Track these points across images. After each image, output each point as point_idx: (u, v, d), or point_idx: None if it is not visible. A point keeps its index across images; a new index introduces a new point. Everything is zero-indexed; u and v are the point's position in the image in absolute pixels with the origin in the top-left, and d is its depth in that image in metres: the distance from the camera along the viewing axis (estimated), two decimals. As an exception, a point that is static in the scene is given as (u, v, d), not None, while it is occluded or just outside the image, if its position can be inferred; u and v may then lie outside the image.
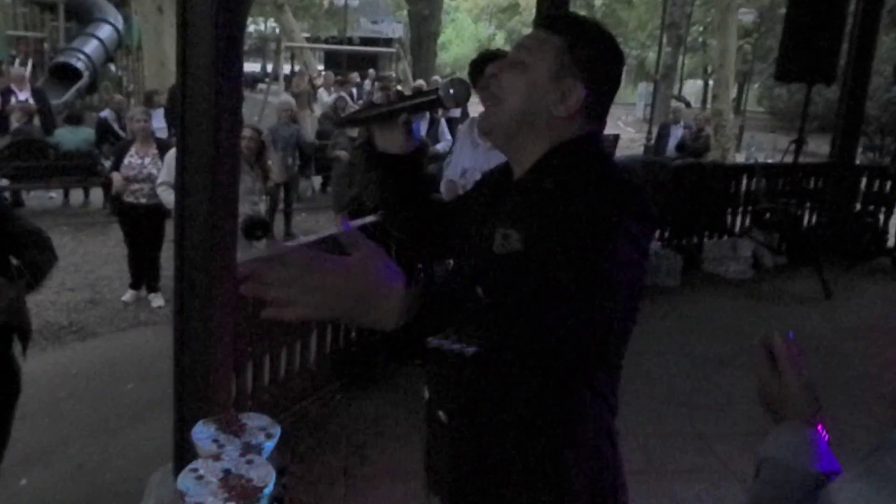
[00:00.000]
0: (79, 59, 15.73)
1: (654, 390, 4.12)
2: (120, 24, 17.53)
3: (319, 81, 20.46)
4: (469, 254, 1.41)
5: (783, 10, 6.47)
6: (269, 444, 2.86)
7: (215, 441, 2.95)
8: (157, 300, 6.07)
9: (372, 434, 3.56)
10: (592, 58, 1.29)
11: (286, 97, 9.20)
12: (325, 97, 12.91)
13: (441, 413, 1.39)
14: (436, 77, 16.26)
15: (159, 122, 10.01)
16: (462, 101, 1.39)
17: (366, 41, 27.02)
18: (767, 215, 6.77)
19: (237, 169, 2.79)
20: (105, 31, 17.07)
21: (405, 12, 28.49)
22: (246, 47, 35.54)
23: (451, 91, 1.36)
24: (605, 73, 1.31)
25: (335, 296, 0.96)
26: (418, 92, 1.47)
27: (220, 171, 2.67)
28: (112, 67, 18.31)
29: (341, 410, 3.75)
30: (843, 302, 6.01)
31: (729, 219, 7.00)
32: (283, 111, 8.24)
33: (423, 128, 8.47)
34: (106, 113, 10.37)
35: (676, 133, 10.99)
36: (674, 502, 3.17)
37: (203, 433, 3.01)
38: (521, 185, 1.34)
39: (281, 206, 8.40)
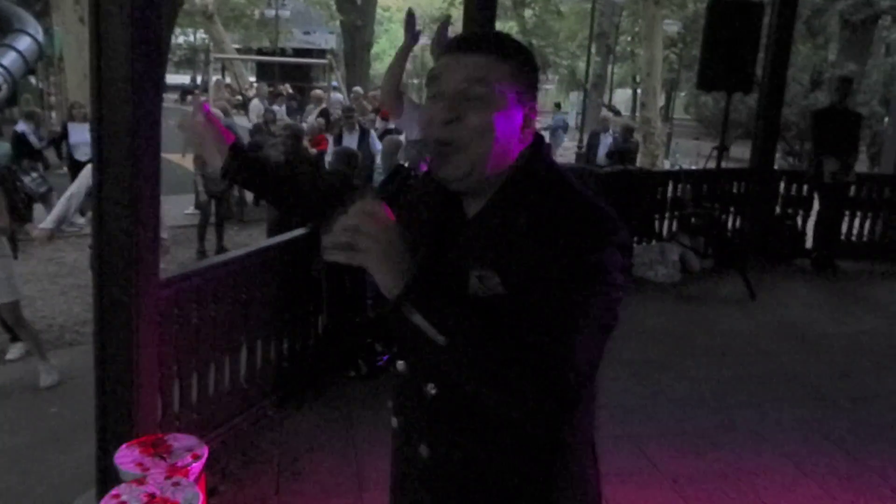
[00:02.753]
0: (-4, 71, 15.13)
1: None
2: (40, 36, 16.91)
3: (251, 93, 20.20)
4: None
5: (705, 22, 6.69)
6: (196, 466, 2.79)
7: (139, 464, 2.87)
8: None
9: (305, 450, 3.52)
10: (534, 78, 1.27)
11: (214, 109, 9.04)
12: (260, 108, 12.78)
13: (422, 447, 1.31)
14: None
15: (83, 137, 9.72)
16: (420, 160, 1.35)
17: (299, 52, 26.81)
18: (693, 220, 6.97)
19: (157, 182, 2.74)
20: (24, 43, 16.42)
21: (338, 23, 28.36)
22: (175, 58, 34.71)
23: (413, 152, 1.29)
24: (537, 89, 1.30)
25: (386, 247, 1.04)
26: (385, 183, 1.36)
27: (141, 185, 2.62)
28: (33, 80, 17.69)
29: (273, 427, 3.69)
30: (766, 302, 6.23)
31: (656, 224, 7.19)
32: None
33: (353, 141, 8.46)
34: (22, 126, 10.01)
35: (606, 141, 11.28)
36: (606, 502, 3.22)
37: (126, 457, 2.92)
38: (481, 223, 1.24)
39: (212, 219, 8.26)
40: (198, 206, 8.32)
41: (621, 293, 1.15)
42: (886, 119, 17.40)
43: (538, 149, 1.27)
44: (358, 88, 15.96)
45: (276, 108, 12.62)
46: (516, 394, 1.08)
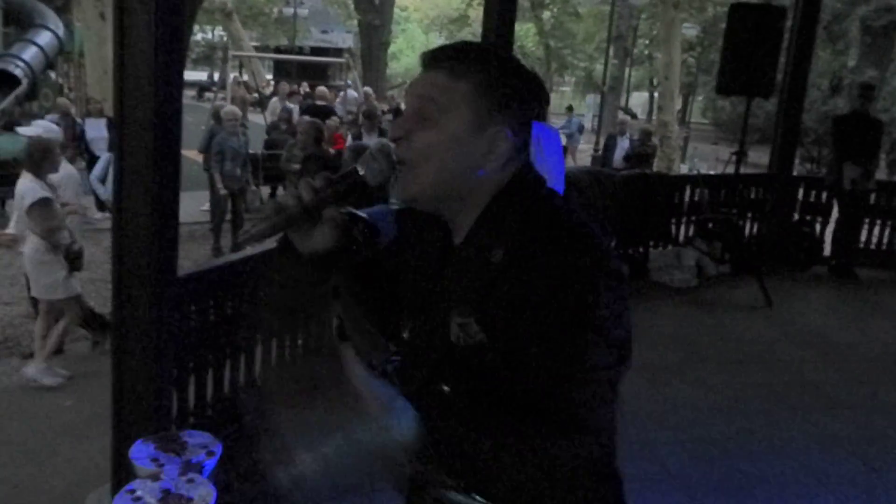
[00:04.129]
0: (17, 65, 15.28)
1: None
2: (61, 31, 17.09)
3: (269, 91, 20.28)
4: (422, 341, 1.23)
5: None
6: (211, 462, 2.80)
7: (154, 460, 2.88)
8: None
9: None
10: (509, 96, 1.13)
11: (231, 107, 9.09)
12: (278, 107, 12.84)
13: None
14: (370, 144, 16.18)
15: (100, 132, 9.79)
16: (388, 175, 1.20)
17: (316, 51, 26.94)
18: (710, 225, 6.93)
19: (178, 178, 2.74)
20: (45, 38, 16.62)
21: (356, 22, 28.44)
22: (194, 56, 34.95)
23: (375, 166, 1.19)
24: (525, 106, 1.15)
25: None
26: (334, 179, 1.20)
27: (161, 180, 2.62)
28: (52, 75, 17.84)
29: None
30: (782, 309, 6.17)
31: (673, 228, 7.14)
32: (229, 121, 8.12)
33: (372, 143, 8.44)
34: (53, 117, 10.11)
35: (623, 144, 11.22)
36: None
37: (141, 452, 2.93)
38: (462, 255, 1.17)
39: (229, 216, 8.28)
40: (214, 203, 8.35)
41: (621, 329, 1.06)
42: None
43: (522, 172, 1.16)
44: (367, 89, 15.97)
45: (291, 106, 12.67)
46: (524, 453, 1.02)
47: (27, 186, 4.64)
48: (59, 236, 4.65)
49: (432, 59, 1.15)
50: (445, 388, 1.14)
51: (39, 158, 4.69)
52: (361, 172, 1.19)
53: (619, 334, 1.07)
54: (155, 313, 2.65)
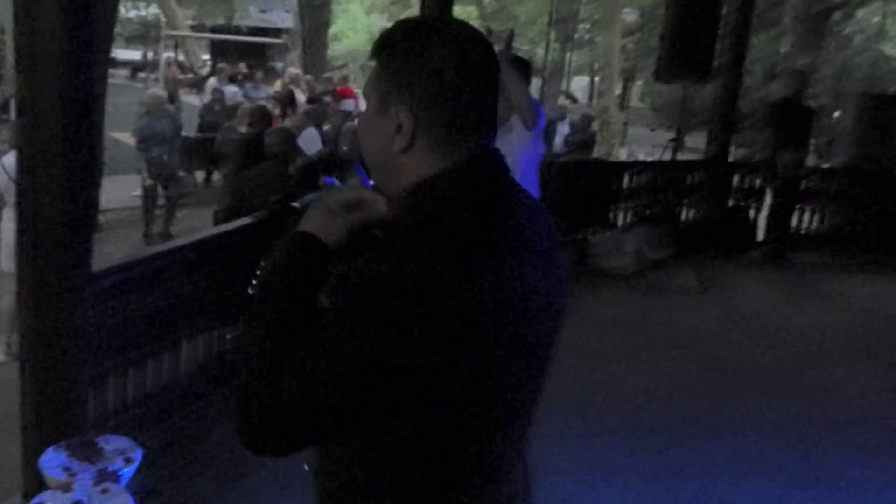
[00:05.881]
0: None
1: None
2: (-19, 6, 16.26)
3: (204, 71, 19.71)
4: None
5: (664, 11, 6.66)
6: (129, 470, 2.62)
7: (66, 469, 2.69)
8: None
9: (249, 447, 3.38)
10: (405, 74, 1.08)
11: (155, 90, 8.75)
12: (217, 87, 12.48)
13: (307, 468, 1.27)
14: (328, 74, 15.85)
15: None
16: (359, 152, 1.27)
17: (254, 31, 26.25)
18: (649, 211, 6.97)
19: (91, 168, 2.57)
20: (-36, 14, 15.79)
21: (295, 1, 27.83)
22: (126, 34, 33.81)
23: (345, 147, 1.31)
24: (428, 86, 1.07)
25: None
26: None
27: (72, 170, 2.44)
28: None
29: (217, 425, 3.54)
30: (719, 294, 6.27)
31: (612, 214, 7.17)
32: (154, 104, 7.79)
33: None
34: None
35: (563, 129, 11.25)
36: (558, 501, 3.16)
37: (52, 461, 2.73)
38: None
39: (162, 202, 8.00)
40: (145, 189, 8.05)
41: (363, 357, 0.98)
42: (837, 113, 17.74)
43: (450, 166, 1.09)
44: (309, 77, 15.60)
45: (234, 88, 12.36)
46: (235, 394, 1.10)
47: None
48: None
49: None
50: None
51: None
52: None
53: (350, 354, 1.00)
54: (65, 312, 2.48)
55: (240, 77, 14.34)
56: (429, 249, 1.01)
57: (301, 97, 11.55)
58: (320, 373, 1.01)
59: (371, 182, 1.38)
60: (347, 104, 10.91)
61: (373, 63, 1.14)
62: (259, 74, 14.03)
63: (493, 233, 1.07)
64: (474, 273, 1.01)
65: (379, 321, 0.98)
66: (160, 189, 7.87)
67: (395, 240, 1.06)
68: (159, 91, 8.69)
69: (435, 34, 1.09)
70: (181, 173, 8.54)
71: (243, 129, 7.32)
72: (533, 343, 1.13)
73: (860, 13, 24.54)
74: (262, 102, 8.74)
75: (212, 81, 13.19)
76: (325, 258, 1.14)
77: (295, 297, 1.12)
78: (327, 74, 15.86)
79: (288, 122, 8.44)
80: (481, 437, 1.11)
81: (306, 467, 1.25)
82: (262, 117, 6.70)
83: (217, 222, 5.58)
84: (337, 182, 1.38)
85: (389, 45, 1.11)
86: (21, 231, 2.46)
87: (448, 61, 1.07)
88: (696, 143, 12.85)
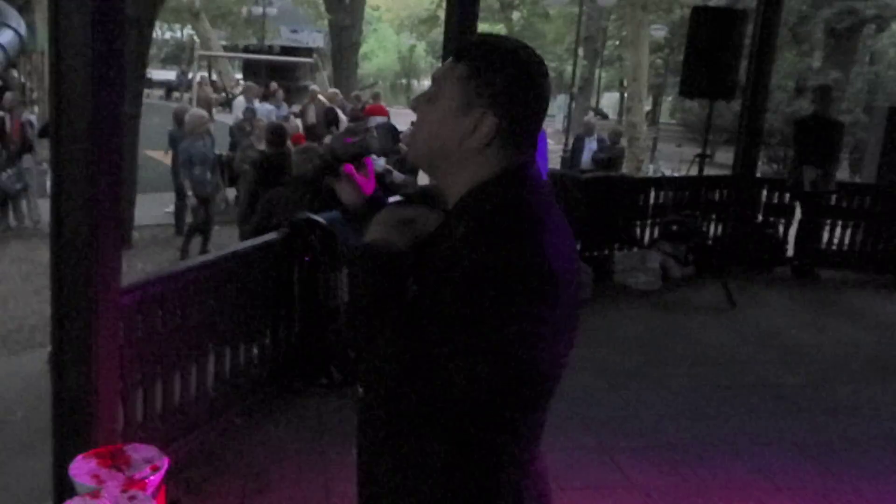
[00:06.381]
0: (-22, 64, 14.97)
1: (558, 403, 4.11)
2: (23, 30, 16.76)
3: (237, 90, 20.05)
4: None
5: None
6: (155, 478, 2.71)
7: (95, 476, 2.78)
8: None
9: (273, 461, 3.44)
10: (498, 84, 1.23)
11: (196, 110, 8.91)
12: (244, 106, 12.69)
13: (354, 450, 1.38)
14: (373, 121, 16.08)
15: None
16: (390, 147, 1.43)
17: (286, 50, 26.63)
18: (674, 227, 6.94)
19: (118, 184, 2.66)
20: (6, 36, 16.27)
21: (326, 22, 28.22)
22: (162, 55, 34.45)
23: (377, 137, 1.43)
24: (515, 99, 1.24)
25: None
26: (345, 143, 1.49)
27: (101, 187, 2.54)
28: (14, 73, 17.52)
29: (241, 437, 3.61)
30: (745, 311, 6.21)
31: (638, 231, 7.15)
32: (199, 125, 7.93)
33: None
34: (28, 116, 9.91)
35: (591, 145, 11.24)
36: (576, 517, 3.17)
37: (82, 468, 2.83)
38: (442, 226, 1.30)
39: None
40: (180, 208, 8.19)
41: (538, 326, 1.13)
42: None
43: (517, 168, 1.26)
44: (335, 90, 15.82)
45: (268, 106, 12.59)
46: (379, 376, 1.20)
47: None
48: None
49: (454, 47, 1.37)
50: None
51: None
52: (370, 138, 1.44)
53: (529, 330, 1.13)
54: (95, 324, 2.57)
55: (274, 94, 14.59)
56: (529, 236, 1.17)
57: (343, 116, 11.77)
58: (508, 342, 1.12)
59: (376, 173, 1.58)
60: (377, 121, 11.11)
61: (457, 65, 1.26)
62: (280, 93, 14.22)
63: (550, 222, 1.23)
64: (557, 255, 1.17)
65: (526, 295, 1.12)
66: (202, 210, 7.92)
67: (492, 231, 1.18)
68: (201, 111, 8.84)
69: (528, 58, 1.27)
70: (221, 191, 8.67)
71: (262, 146, 7.42)
72: (576, 314, 1.27)
73: (895, 26, 24.24)
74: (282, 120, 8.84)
75: (239, 100, 13.41)
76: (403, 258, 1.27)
77: (394, 294, 1.23)
78: (355, 93, 16.04)
79: (328, 140, 8.55)
80: (534, 404, 1.27)
81: (354, 451, 1.37)
82: (279, 135, 6.82)
83: (244, 238, 5.67)
84: (355, 172, 1.53)
85: (486, 55, 1.25)
86: (53, 247, 2.56)
87: (534, 86, 1.26)
88: (727, 159, 12.79)
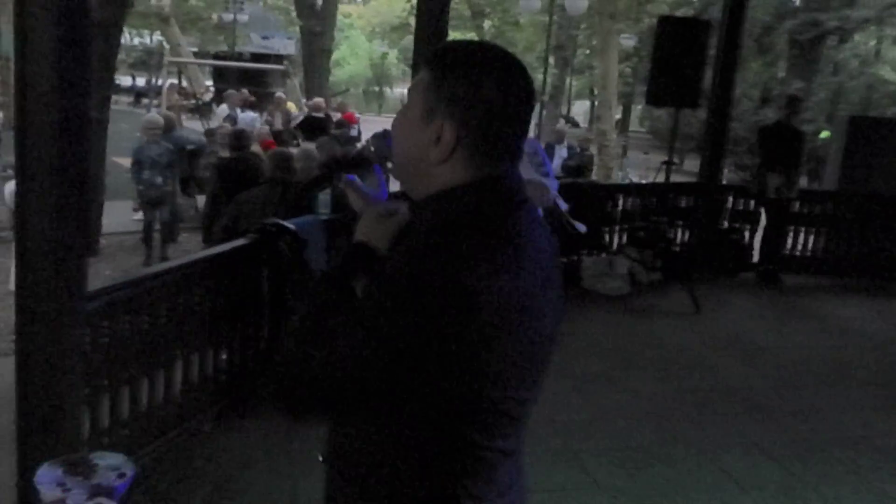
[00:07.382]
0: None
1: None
2: (-12, 34, 16.49)
3: (208, 97, 19.89)
4: None
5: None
6: (122, 486, 2.69)
7: (60, 485, 2.75)
8: None
9: (241, 467, 3.43)
10: (458, 94, 1.17)
11: (152, 115, 8.86)
12: (226, 113, 12.65)
13: (320, 457, 1.37)
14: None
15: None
16: (385, 153, 1.42)
17: (257, 57, 26.49)
18: (642, 233, 7.04)
19: (83, 190, 2.65)
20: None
21: (297, 28, 28.13)
22: (131, 60, 33.92)
23: (372, 148, 1.43)
24: (477, 110, 1.17)
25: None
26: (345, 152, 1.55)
27: (66, 193, 2.52)
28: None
29: (209, 443, 3.59)
30: (711, 316, 6.30)
31: (606, 237, 7.24)
32: (149, 130, 7.88)
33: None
34: None
35: (561, 153, 11.34)
36: (545, 520, 3.20)
37: (47, 476, 2.79)
38: (408, 224, 1.32)
39: (157, 227, 8.06)
40: (144, 213, 8.12)
41: (408, 334, 1.09)
42: (823, 133, 17.84)
43: (487, 182, 1.20)
44: (318, 99, 15.79)
45: (251, 114, 12.60)
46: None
47: None
48: None
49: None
50: None
51: None
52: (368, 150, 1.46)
53: (395, 332, 1.10)
54: (59, 330, 2.55)
55: (258, 106, 14.57)
56: (456, 249, 1.12)
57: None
58: (351, 347, 1.12)
59: (387, 182, 1.56)
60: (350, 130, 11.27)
61: (423, 73, 1.22)
62: (318, 102, 14.32)
63: (508, 239, 1.18)
64: (495, 272, 1.11)
65: (411, 308, 1.09)
66: (156, 213, 7.90)
67: (426, 239, 1.16)
68: (156, 116, 8.79)
69: (492, 62, 1.19)
70: (179, 199, 8.59)
71: (225, 152, 7.41)
72: (539, 341, 1.22)
73: (857, 37, 24.78)
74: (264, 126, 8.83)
75: (223, 107, 13.33)
76: (371, 260, 1.29)
77: (339, 289, 1.26)
78: (340, 100, 16.04)
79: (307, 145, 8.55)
80: (487, 430, 1.19)
81: (320, 458, 1.36)
82: (240, 140, 6.84)
83: (210, 242, 5.62)
84: (357, 179, 1.49)
85: (446, 62, 1.21)
86: (18, 252, 2.54)
87: (499, 92, 1.17)
88: (695, 167, 12.98)
